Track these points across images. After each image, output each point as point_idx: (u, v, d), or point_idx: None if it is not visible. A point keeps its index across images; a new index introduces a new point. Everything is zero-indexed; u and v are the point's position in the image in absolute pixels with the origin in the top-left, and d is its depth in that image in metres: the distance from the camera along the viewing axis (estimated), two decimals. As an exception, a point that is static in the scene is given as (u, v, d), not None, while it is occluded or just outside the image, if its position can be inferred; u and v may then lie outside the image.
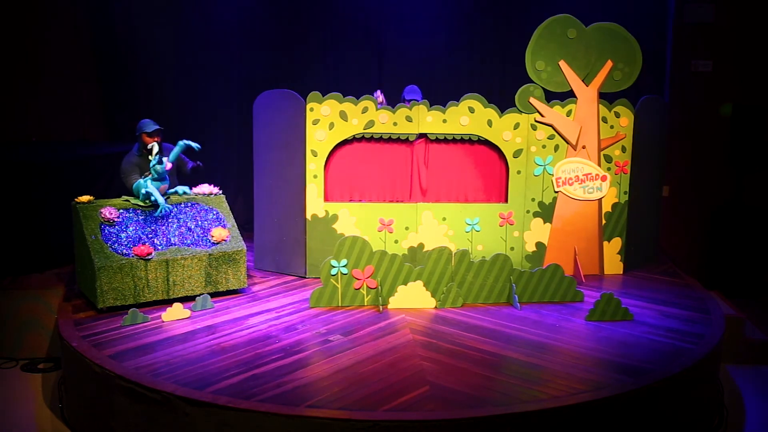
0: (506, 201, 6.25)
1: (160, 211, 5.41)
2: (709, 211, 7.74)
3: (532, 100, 6.10)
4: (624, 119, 6.24)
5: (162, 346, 4.53)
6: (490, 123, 6.11)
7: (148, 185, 5.42)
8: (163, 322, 4.98)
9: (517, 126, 6.13)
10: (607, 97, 6.24)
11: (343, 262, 5.36)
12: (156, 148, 5.39)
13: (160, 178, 5.45)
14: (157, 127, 6.00)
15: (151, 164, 5.40)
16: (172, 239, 5.42)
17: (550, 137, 6.18)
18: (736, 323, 5.75)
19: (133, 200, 5.50)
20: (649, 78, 7.18)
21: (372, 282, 5.40)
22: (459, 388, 3.97)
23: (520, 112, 6.12)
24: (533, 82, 6.10)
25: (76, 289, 5.60)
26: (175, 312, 5.04)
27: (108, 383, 4.10)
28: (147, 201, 5.46)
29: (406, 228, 6.16)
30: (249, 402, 3.73)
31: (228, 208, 5.84)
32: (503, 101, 6.14)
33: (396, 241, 6.15)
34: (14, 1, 7.44)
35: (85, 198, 5.37)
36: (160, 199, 5.41)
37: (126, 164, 5.74)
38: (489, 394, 3.92)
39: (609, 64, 6.15)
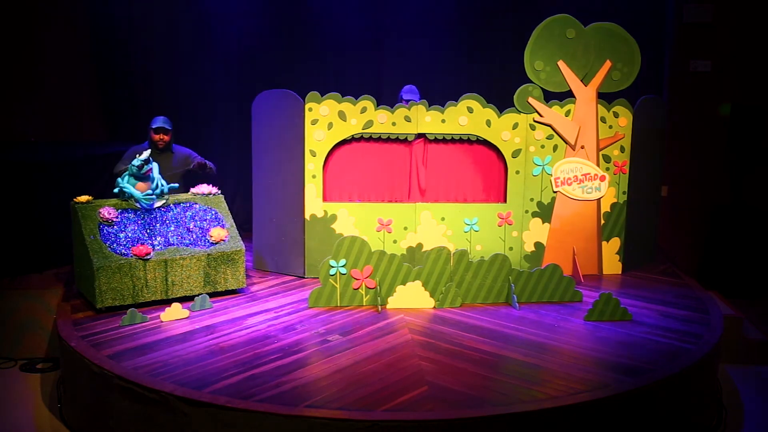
0: (505, 201, 6.25)
1: (145, 205, 5.39)
2: (708, 211, 7.75)
3: (530, 100, 6.10)
4: (623, 119, 6.25)
5: (161, 346, 4.52)
6: (488, 123, 6.12)
7: (124, 182, 5.41)
8: (162, 322, 4.98)
9: (515, 126, 6.13)
10: (605, 97, 6.24)
11: (342, 262, 5.36)
12: (146, 154, 5.37)
13: (138, 177, 5.41)
14: (159, 125, 6.06)
15: (134, 161, 5.39)
16: (170, 239, 5.41)
17: (549, 137, 6.18)
18: (734, 323, 5.75)
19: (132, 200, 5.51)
20: (647, 78, 7.18)
21: (371, 282, 5.40)
22: (458, 388, 3.97)
23: (519, 112, 6.12)
24: (532, 82, 6.11)
25: (74, 289, 5.60)
26: (174, 312, 5.04)
27: (107, 383, 4.10)
28: (130, 198, 5.45)
29: (405, 228, 6.16)
30: (248, 402, 3.73)
31: (227, 207, 5.84)
32: (502, 101, 6.14)
33: (395, 241, 6.15)
34: (14, 2, 7.44)
35: (84, 198, 5.36)
36: (137, 194, 5.37)
37: (129, 150, 6.07)
38: (488, 394, 3.92)
39: (608, 64, 6.16)
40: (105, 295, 5.08)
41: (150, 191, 5.45)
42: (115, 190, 5.44)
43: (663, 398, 4.11)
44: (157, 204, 5.48)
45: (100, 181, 6.41)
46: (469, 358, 4.42)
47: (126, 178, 5.42)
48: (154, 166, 5.54)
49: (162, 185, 5.51)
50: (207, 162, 6.28)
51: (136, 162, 5.35)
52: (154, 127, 6.11)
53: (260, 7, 7.91)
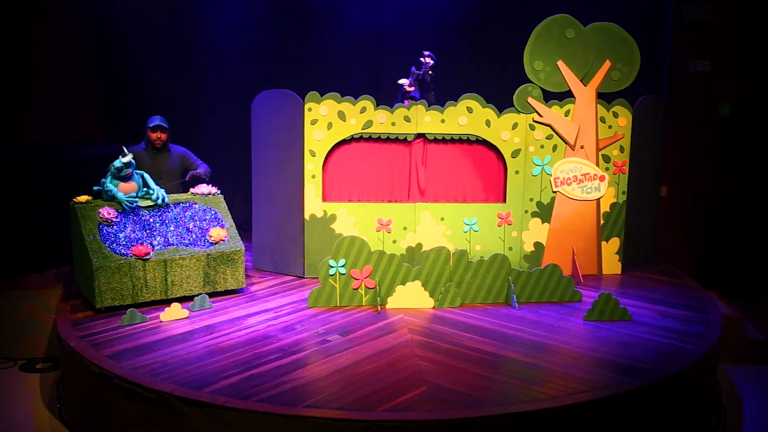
0: (504, 201, 6.25)
1: (127, 207, 5.37)
2: (708, 211, 7.74)
3: (530, 100, 6.10)
4: (622, 119, 6.25)
5: (160, 346, 4.52)
6: (488, 123, 6.11)
7: (108, 182, 5.39)
8: (162, 322, 4.98)
9: (515, 126, 6.13)
10: (605, 97, 6.24)
11: (342, 262, 5.36)
12: (129, 158, 5.35)
13: (118, 178, 5.39)
14: (157, 123, 6.06)
15: (114, 162, 5.38)
16: (170, 239, 5.41)
17: (549, 137, 6.18)
18: (734, 323, 5.75)
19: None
20: (647, 78, 7.18)
21: (370, 282, 5.40)
22: (457, 388, 3.97)
23: (519, 112, 6.12)
24: (532, 82, 6.11)
25: (74, 289, 5.60)
26: (174, 312, 5.04)
27: (106, 383, 4.10)
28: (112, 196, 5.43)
29: (405, 228, 6.16)
30: (247, 402, 3.73)
31: (226, 207, 5.84)
32: (502, 101, 6.14)
33: (394, 241, 6.15)
34: (13, 2, 7.44)
35: (83, 198, 5.37)
36: (120, 195, 5.35)
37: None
38: (487, 394, 3.92)
39: (607, 64, 6.16)
40: (104, 295, 5.08)
41: (134, 194, 5.43)
42: (96, 188, 5.41)
43: (662, 398, 4.11)
44: (142, 203, 5.45)
45: (99, 182, 6.41)
46: (468, 358, 4.41)
47: (109, 178, 5.41)
48: (147, 177, 5.54)
49: (163, 196, 5.51)
50: (201, 173, 6.23)
51: (116, 163, 5.33)
52: (151, 125, 6.10)
53: (260, 7, 7.90)
